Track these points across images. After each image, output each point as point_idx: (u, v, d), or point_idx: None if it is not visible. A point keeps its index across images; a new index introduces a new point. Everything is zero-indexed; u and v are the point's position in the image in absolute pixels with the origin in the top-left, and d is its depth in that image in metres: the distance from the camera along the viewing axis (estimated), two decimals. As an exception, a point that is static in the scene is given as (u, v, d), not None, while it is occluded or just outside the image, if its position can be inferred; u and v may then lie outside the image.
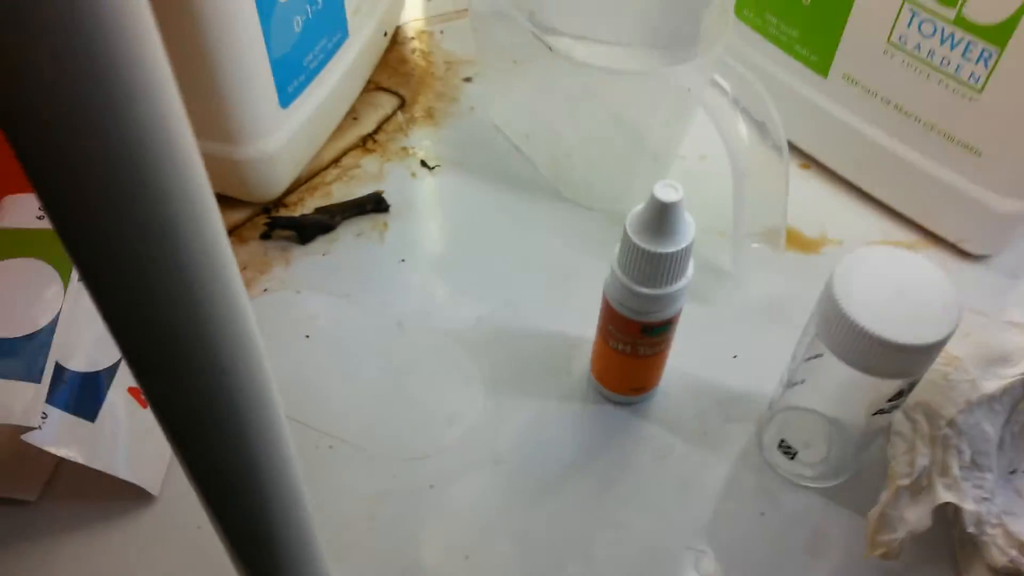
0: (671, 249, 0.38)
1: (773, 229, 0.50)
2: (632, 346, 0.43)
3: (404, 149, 0.59)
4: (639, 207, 0.39)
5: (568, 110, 0.53)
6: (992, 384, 0.39)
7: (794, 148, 0.60)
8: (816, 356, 0.39)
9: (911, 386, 0.38)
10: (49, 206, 0.15)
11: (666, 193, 0.37)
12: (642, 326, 0.41)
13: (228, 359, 0.20)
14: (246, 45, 0.46)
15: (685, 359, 0.47)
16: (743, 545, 0.42)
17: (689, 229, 0.39)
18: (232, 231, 0.53)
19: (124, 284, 0.17)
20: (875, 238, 0.55)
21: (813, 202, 0.57)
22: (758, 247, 0.50)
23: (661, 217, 0.38)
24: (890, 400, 0.38)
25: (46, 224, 0.42)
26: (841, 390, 0.41)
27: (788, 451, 0.44)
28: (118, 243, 0.16)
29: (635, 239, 0.38)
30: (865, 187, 0.57)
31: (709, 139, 0.48)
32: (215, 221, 0.18)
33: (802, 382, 0.41)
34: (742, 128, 0.46)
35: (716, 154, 0.47)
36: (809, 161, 0.60)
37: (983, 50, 0.45)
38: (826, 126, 0.56)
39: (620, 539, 0.42)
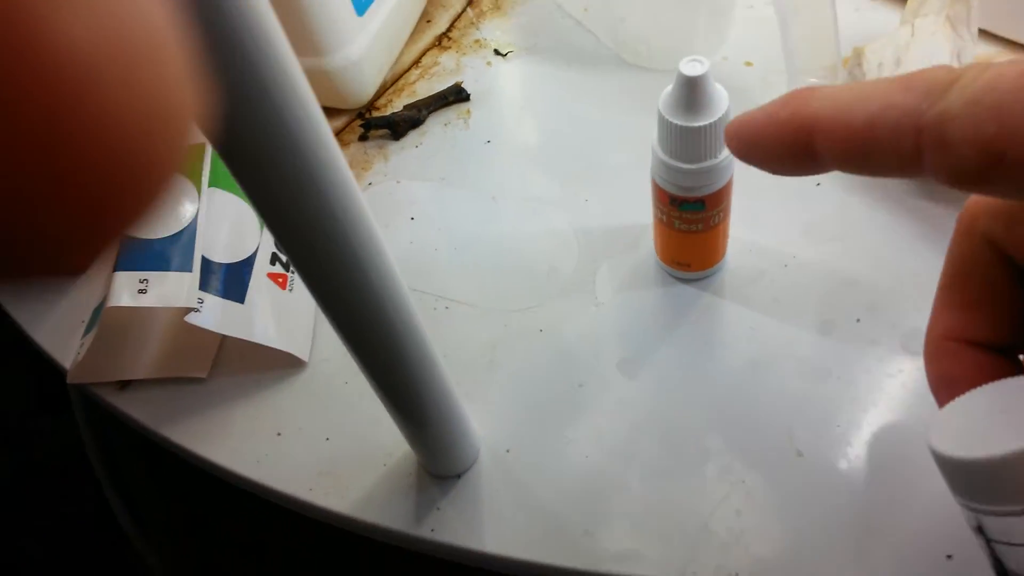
0: (696, 124, 0.38)
1: (829, 66, 0.51)
2: (667, 216, 0.44)
3: (477, 41, 0.63)
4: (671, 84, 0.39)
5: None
6: None
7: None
8: None
9: None
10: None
11: (691, 67, 0.37)
12: (671, 198, 0.43)
13: (352, 242, 0.28)
14: (319, -40, 0.50)
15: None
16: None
17: (719, 103, 0.38)
18: (334, 136, 0.59)
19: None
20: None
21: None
22: (816, 81, 0.51)
23: (688, 92, 0.38)
24: None
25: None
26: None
27: None
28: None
29: (664, 112, 0.39)
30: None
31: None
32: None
33: None
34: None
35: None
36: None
37: None
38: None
39: (724, 356, 0.46)
